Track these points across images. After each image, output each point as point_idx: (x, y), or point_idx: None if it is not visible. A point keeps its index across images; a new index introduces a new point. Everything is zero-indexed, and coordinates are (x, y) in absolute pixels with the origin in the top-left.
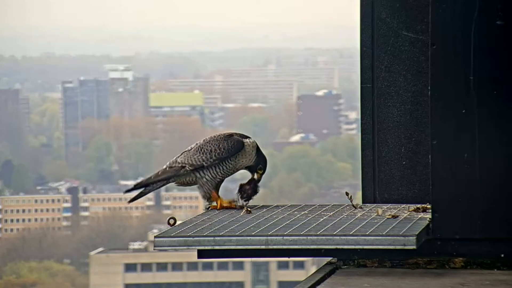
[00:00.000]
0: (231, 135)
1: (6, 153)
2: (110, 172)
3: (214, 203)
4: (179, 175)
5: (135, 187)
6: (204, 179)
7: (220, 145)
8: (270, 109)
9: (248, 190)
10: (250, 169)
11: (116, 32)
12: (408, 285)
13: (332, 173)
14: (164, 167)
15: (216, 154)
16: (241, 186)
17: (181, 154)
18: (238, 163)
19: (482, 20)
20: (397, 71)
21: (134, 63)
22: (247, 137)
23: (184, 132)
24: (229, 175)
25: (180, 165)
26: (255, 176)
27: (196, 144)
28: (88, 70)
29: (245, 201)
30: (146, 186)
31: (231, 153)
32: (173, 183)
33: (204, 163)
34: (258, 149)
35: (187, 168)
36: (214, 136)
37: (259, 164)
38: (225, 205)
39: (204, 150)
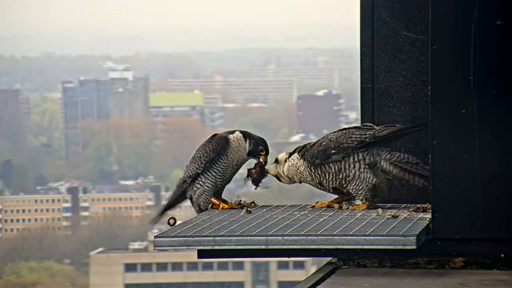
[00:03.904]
0: (215, 134)
1: (6, 153)
2: (110, 172)
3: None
4: (185, 190)
5: (160, 215)
6: (205, 187)
7: (206, 148)
8: (270, 109)
9: (254, 174)
10: (252, 154)
11: (116, 32)
12: (408, 285)
13: None
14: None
15: (205, 157)
16: (248, 171)
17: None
18: (230, 161)
19: (482, 20)
20: (397, 71)
21: (134, 63)
22: (234, 132)
23: (184, 132)
24: (229, 175)
25: (182, 180)
26: (261, 159)
27: (191, 156)
28: (88, 70)
29: (255, 185)
30: (167, 209)
31: (218, 151)
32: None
33: (198, 170)
34: (248, 137)
35: (188, 181)
36: (202, 143)
37: (257, 148)
38: (226, 207)
39: (195, 159)
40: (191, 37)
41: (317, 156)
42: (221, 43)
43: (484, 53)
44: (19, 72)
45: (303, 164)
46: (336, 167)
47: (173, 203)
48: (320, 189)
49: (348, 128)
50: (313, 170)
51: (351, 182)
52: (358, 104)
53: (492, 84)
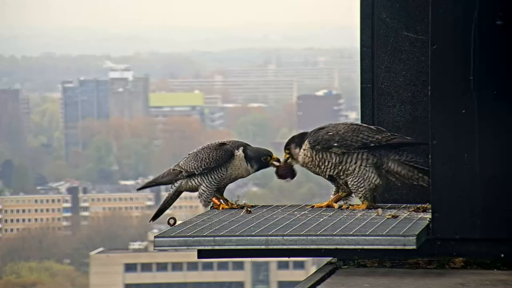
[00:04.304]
0: (223, 144)
1: (6, 153)
2: (110, 172)
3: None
4: (178, 179)
5: (146, 185)
6: (202, 188)
7: (210, 155)
8: (270, 109)
9: (284, 171)
10: (263, 167)
11: (116, 32)
12: (408, 285)
13: None
14: (172, 167)
15: (205, 163)
16: (278, 175)
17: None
18: (229, 174)
19: (482, 20)
20: (397, 71)
21: (134, 63)
22: (242, 145)
23: (184, 132)
24: (226, 184)
25: (179, 169)
26: (273, 163)
27: (197, 149)
28: (88, 70)
29: (291, 178)
30: (155, 185)
31: (219, 163)
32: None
33: (195, 171)
34: (248, 158)
35: (183, 174)
36: (210, 144)
37: (261, 162)
38: (226, 207)
39: (197, 158)
40: (191, 37)
41: (319, 143)
42: (221, 43)
43: (484, 53)
44: (19, 72)
45: (306, 144)
46: (338, 158)
47: (169, 201)
48: (317, 172)
49: (360, 126)
50: (314, 153)
51: (350, 176)
52: (358, 104)
53: (492, 84)
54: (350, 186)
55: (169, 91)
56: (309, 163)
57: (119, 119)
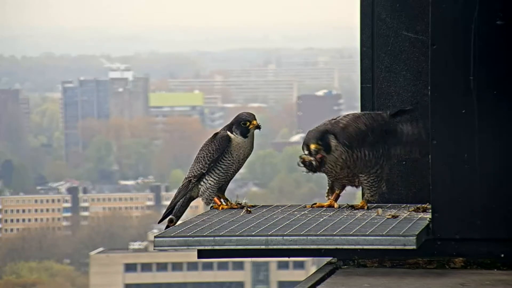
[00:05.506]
0: (216, 133)
1: (6, 153)
2: (110, 172)
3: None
4: (190, 190)
5: (164, 217)
6: (208, 184)
7: (210, 148)
8: (270, 109)
9: (313, 162)
10: (246, 133)
11: (116, 32)
12: (408, 285)
13: None
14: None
15: (209, 158)
16: (305, 164)
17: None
18: (236, 157)
19: (482, 20)
20: (397, 71)
21: (134, 63)
22: (227, 126)
23: (184, 132)
24: (233, 171)
25: (187, 180)
26: (254, 126)
27: (195, 156)
28: (88, 70)
29: (314, 172)
30: (172, 210)
31: (221, 151)
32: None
33: (203, 170)
34: (230, 129)
35: (193, 181)
36: (205, 142)
37: (242, 127)
38: (226, 207)
39: (199, 159)
40: (191, 37)
41: (351, 142)
42: (221, 43)
43: (484, 53)
44: (19, 72)
45: (338, 144)
46: (371, 154)
47: (180, 209)
48: (335, 174)
49: (359, 116)
50: (349, 152)
51: (368, 176)
52: (358, 104)
53: (492, 84)
54: (365, 183)
55: (169, 91)
56: (343, 160)
57: (119, 119)
